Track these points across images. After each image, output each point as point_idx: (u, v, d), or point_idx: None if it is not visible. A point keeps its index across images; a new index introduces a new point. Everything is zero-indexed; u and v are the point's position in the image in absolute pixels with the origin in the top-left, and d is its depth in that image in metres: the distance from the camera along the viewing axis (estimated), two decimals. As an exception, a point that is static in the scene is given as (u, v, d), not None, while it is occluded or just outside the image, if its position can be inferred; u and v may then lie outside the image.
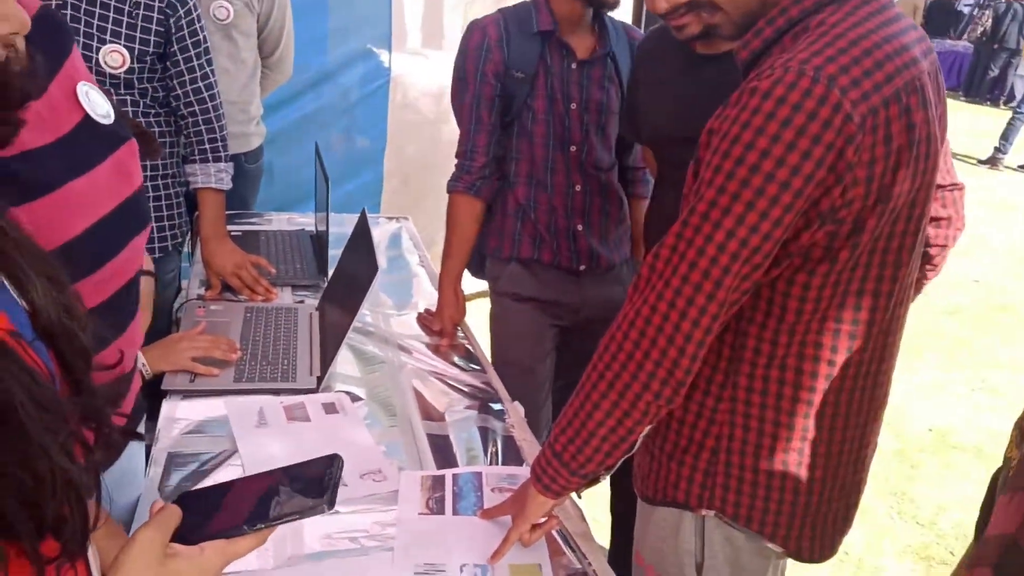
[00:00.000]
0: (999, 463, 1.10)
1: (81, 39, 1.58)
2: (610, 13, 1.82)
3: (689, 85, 1.51)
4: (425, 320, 1.89)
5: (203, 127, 1.81)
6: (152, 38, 1.66)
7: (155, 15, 1.65)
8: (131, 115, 1.68)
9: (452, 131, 1.95)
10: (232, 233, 1.96)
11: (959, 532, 2.68)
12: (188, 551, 0.69)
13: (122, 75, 1.65)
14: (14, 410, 0.52)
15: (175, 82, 1.75)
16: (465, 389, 1.62)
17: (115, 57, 1.63)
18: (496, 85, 1.78)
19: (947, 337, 4.20)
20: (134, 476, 1.21)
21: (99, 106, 1.01)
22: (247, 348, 1.60)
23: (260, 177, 2.65)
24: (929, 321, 4.23)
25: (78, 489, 0.57)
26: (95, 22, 1.59)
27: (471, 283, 2.09)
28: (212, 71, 1.79)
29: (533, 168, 1.84)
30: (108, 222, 0.98)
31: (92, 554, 0.68)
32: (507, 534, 1.14)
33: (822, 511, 1.07)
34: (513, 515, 1.15)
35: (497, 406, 1.57)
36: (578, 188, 1.85)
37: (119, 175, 1.02)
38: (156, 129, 1.79)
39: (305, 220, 2.42)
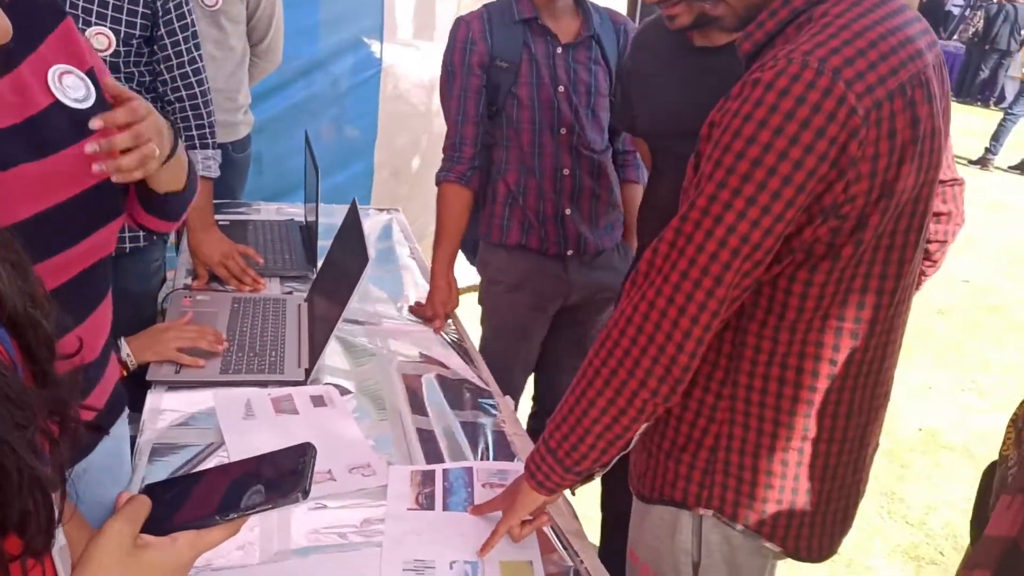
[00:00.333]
0: (989, 463, 1.09)
1: (65, 20, 1.53)
2: (600, 3, 1.82)
3: (686, 78, 1.49)
4: (417, 309, 1.88)
5: (190, 113, 1.77)
6: (139, 20, 1.62)
7: (142, -3, 1.61)
8: None
9: (443, 123, 1.96)
10: (219, 222, 1.93)
11: (949, 532, 2.69)
12: (159, 542, 0.66)
13: (108, 58, 1.61)
14: None
15: (162, 66, 1.71)
16: (456, 383, 1.59)
17: (100, 39, 1.59)
18: (482, 76, 1.82)
19: (937, 337, 4.20)
20: (120, 470, 1.18)
21: (73, 90, 0.97)
22: (234, 339, 1.57)
23: (248, 166, 2.61)
24: (919, 321, 4.23)
25: (44, 485, 0.55)
26: (80, 3, 1.55)
27: (462, 276, 2.07)
28: (200, 56, 1.75)
29: (522, 154, 1.87)
30: (65, 210, 0.93)
31: (59, 550, 0.65)
32: (496, 527, 1.12)
33: (821, 510, 1.05)
34: (504, 509, 1.13)
35: (488, 401, 1.54)
36: (566, 172, 1.87)
37: (86, 163, 0.97)
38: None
39: (294, 210, 2.38)
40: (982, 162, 8.41)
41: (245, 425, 1.33)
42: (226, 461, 1.24)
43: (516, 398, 2.09)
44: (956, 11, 13.23)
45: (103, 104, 1.02)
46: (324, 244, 1.89)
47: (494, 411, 1.51)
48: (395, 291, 1.99)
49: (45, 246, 0.91)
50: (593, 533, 1.79)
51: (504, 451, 1.39)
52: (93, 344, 1.04)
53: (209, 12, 2.24)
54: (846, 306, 0.96)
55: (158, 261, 1.90)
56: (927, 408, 3.50)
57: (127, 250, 1.76)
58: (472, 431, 1.43)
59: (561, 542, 1.17)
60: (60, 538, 0.63)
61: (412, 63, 3.49)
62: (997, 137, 8.38)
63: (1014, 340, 4.32)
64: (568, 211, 1.89)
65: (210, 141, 1.81)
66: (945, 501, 2.85)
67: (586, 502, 2.17)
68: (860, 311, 0.96)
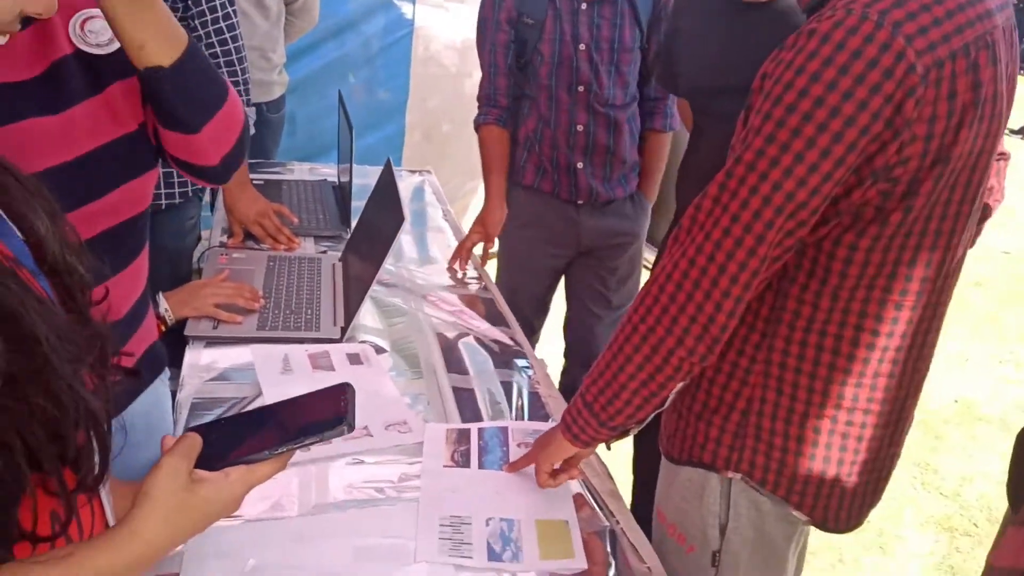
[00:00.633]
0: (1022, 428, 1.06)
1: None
2: None
3: (730, 34, 1.45)
4: (467, 238, 1.99)
5: (224, 70, 1.76)
6: (175, -25, 1.61)
7: (178, -48, 1.60)
8: None
9: (474, 85, 2.05)
10: (254, 182, 1.93)
11: (983, 504, 2.65)
12: (213, 476, 0.67)
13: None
14: (38, 341, 0.51)
15: (196, 22, 1.70)
16: (490, 343, 1.59)
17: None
18: (510, 32, 1.90)
19: (974, 309, 4.12)
20: (161, 425, 1.19)
21: (96, 35, 0.92)
22: (270, 297, 1.58)
23: (282, 127, 2.61)
24: (956, 292, 4.14)
25: (98, 420, 0.56)
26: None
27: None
28: (234, 12, 1.74)
29: (541, 107, 1.94)
30: (86, 162, 0.91)
31: (106, 495, 0.66)
32: (528, 453, 1.16)
33: (851, 482, 1.03)
34: (537, 460, 1.14)
35: (523, 361, 1.54)
36: (580, 128, 1.92)
37: (108, 114, 0.95)
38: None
39: (327, 170, 2.38)
40: (1024, 131, 8.17)
41: (283, 379, 1.34)
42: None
43: (530, 336, 2.16)
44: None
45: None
46: (357, 205, 1.88)
47: (528, 372, 1.50)
48: (428, 252, 1.98)
49: (67, 199, 0.89)
50: (624, 494, 1.79)
51: (538, 412, 1.38)
52: (126, 298, 1.03)
53: (243, -30, 2.23)
54: (893, 278, 0.92)
55: (193, 219, 1.91)
56: (963, 379, 3.45)
57: (163, 207, 1.77)
58: (507, 391, 1.43)
59: (596, 502, 1.17)
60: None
61: (443, 24, 3.45)
62: (1042, 105, 8.11)
63: (1054, 313, 4.22)
64: (580, 165, 1.95)
65: (244, 99, 1.81)
66: (980, 472, 2.81)
67: (617, 464, 2.17)
68: (907, 283, 0.93)
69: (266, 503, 1.07)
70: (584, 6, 1.82)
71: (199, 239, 2.04)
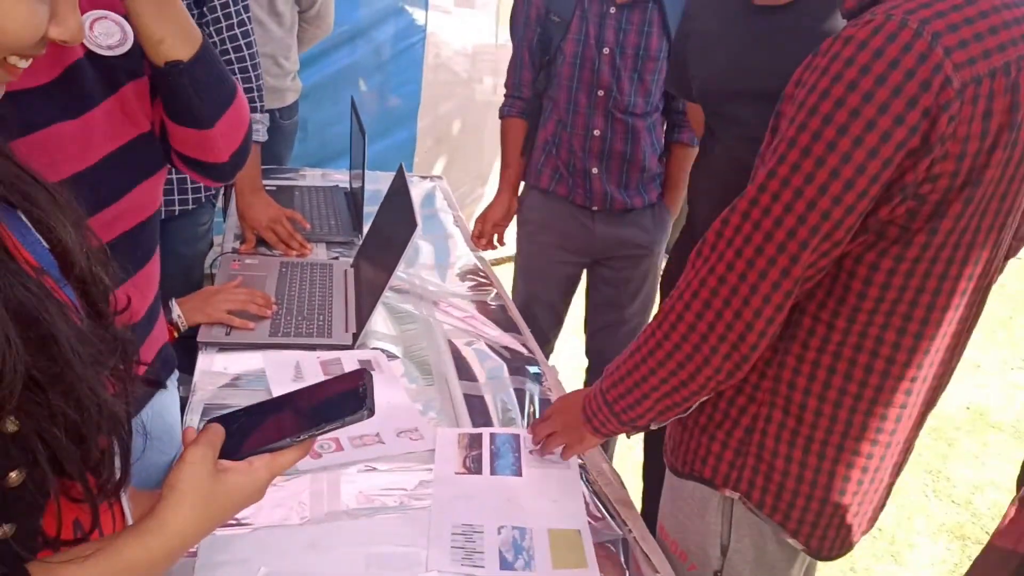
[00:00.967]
0: None
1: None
2: None
3: (743, 38, 1.44)
4: (475, 231, 2.09)
5: (238, 76, 1.76)
6: (189, -18, 1.62)
7: (193, -41, 1.61)
8: None
9: (484, 91, 2.07)
10: (266, 188, 1.94)
11: (996, 512, 2.63)
12: (237, 466, 0.68)
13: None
14: (59, 344, 0.51)
15: (211, 28, 1.71)
16: (501, 350, 1.59)
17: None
18: (536, 29, 1.92)
19: (987, 314, 4.08)
20: (171, 434, 1.20)
21: (106, 37, 0.92)
22: (282, 303, 1.58)
23: (295, 133, 2.62)
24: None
25: (121, 424, 0.57)
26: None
27: (505, 249, 2.11)
28: (249, 19, 1.75)
29: (560, 109, 1.94)
30: (106, 166, 0.92)
31: (126, 500, 0.67)
32: (547, 422, 1.18)
33: (850, 512, 0.99)
34: (558, 430, 1.16)
35: (534, 368, 1.54)
36: (597, 132, 1.92)
37: (123, 115, 0.95)
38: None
39: (339, 176, 2.39)
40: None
41: (295, 387, 1.33)
42: None
43: (544, 346, 2.16)
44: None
45: (137, 52, 0.98)
46: (369, 211, 1.89)
47: (540, 379, 1.50)
48: (439, 259, 1.99)
49: (93, 203, 0.89)
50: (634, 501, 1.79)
51: (550, 419, 1.38)
52: (141, 301, 1.04)
53: (257, -24, 2.24)
54: (915, 306, 0.88)
55: (206, 224, 1.92)
56: (975, 386, 3.42)
57: (176, 213, 1.78)
58: (518, 398, 1.43)
59: (608, 511, 1.17)
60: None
61: (454, 31, 3.46)
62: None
63: (1068, 319, 4.19)
64: (595, 170, 1.94)
65: (258, 105, 1.81)
66: (992, 481, 2.79)
67: (626, 471, 2.16)
68: (929, 312, 0.89)
69: (278, 511, 1.08)
70: (612, 10, 1.82)
71: (212, 245, 2.05)
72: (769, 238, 0.85)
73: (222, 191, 2.06)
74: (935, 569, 2.39)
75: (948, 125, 0.78)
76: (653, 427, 1.05)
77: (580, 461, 1.25)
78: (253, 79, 1.79)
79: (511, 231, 2.22)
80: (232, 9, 1.70)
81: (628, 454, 2.47)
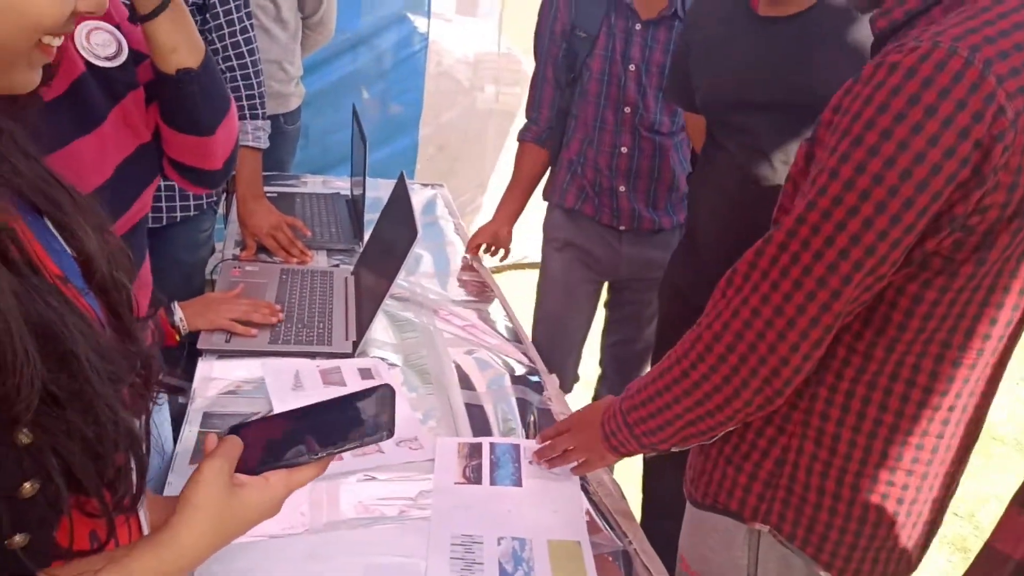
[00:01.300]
0: None
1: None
2: None
3: (749, 47, 1.44)
4: (471, 241, 2.05)
5: (240, 83, 1.77)
6: (192, -11, 1.62)
7: (196, -34, 1.61)
8: None
9: (486, 99, 2.03)
10: (267, 194, 1.93)
11: (998, 525, 2.62)
12: (254, 481, 0.67)
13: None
14: (78, 360, 0.51)
15: (214, 35, 1.71)
16: (501, 360, 1.58)
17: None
18: (561, 44, 1.88)
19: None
20: (160, 445, 1.19)
21: (103, 47, 0.93)
22: (282, 310, 1.58)
23: (298, 139, 2.62)
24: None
25: (137, 440, 0.56)
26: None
27: (510, 253, 2.09)
28: (251, 26, 1.75)
29: (586, 126, 1.91)
30: (117, 178, 0.93)
31: (143, 512, 0.66)
32: (563, 438, 1.16)
33: (888, 546, 0.96)
34: (577, 447, 1.15)
35: (534, 378, 1.53)
36: (624, 150, 1.89)
37: (125, 126, 0.96)
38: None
39: (340, 183, 2.39)
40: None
41: (294, 395, 1.33)
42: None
43: (567, 367, 2.13)
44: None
45: (136, 60, 0.99)
46: (370, 218, 1.89)
47: (540, 388, 1.49)
48: (440, 267, 1.98)
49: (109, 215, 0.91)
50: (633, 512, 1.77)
51: (551, 429, 1.37)
52: (142, 304, 1.05)
53: (262, -16, 2.24)
54: (955, 332, 0.85)
55: (207, 231, 1.92)
56: (977, 399, 3.41)
57: (177, 219, 1.78)
58: (518, 407, 1.42)
59: (609, 523, 1.16)
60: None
61: (456, 39, 3.47)
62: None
63: (1070, 331, 4.17)
64: (622, 188, 1.91)
65: (260, 112, 1.81)
66: (995, 494, 2.78)
67: (627, 482, 2.15)
68: (968, 340, 0.85)
69: (277, 521, 1.06)
70: (639, 27, 1.80)
71: (213, 251, 2.05)
72: (808, 272, 0.82)
73: (223, 197, 2.06)
74: (937, 582, 2.38)
75: (1002, 156, 0.75)
76: (675, 450, 1.03)
77: (581, 472, 1.25)
78: (255, 85, 1.79)
79: (529, 244, 2.19)
80: (235, 16, 1.70)
81: (629, 464, 2.46)
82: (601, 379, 2.29)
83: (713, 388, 0.90)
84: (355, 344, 1.49)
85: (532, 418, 1.40)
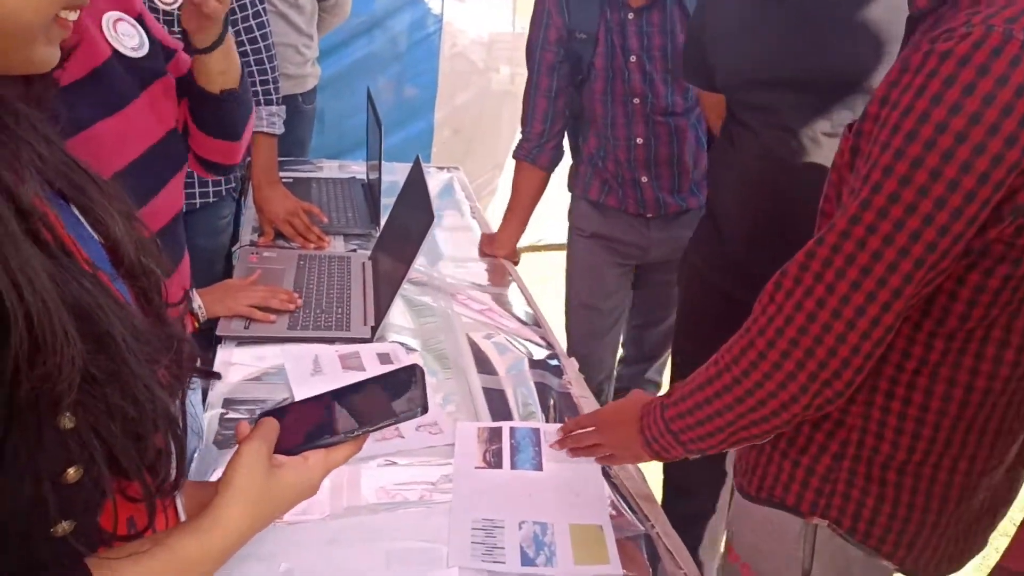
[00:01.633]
0: None
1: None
2: None
3: (773, 24, 1.41)
4: (482, 247, 2.01)
5: (254, 68, 1.76)
6: (205, -26, 1.61)
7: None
8: None
9: (502, 80, 2.00)
10: (283, 179, 1.93)
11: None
12: (292, 461, 0.67)
13: (176, 12, 1.61)
14: (115, 341, 0.51)
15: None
16: (521, 343, 1.57)
17: (167, -7, 1.59)
18: (558, 51, 1.84)
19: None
20: (200, 427, 1.20)
21: (128, 38, 0.96)
22: (301, 296, 1.58)
23: (314, 118, 2.61)
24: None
25: (175, 422, 0.56)
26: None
27: (526, 235, 2.07)
28: (264, 10, 1.74)
29: (598, 123, 1.88)
30: (142, 163, 0.94)
31: (180, 498, 0.66)
32: (591, 432, 1.13)
33: (952, 532, 0.94)
34: (605, 442, 1.12)
35: (554, 362, 1.52)
36: (639, 141, 1.85)
37: (152, 114, 0.98)
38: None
39: (357, 168, 2.38)
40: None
41: (313, 380, 1.33)
42: None
43: (605, 359, 2.12)
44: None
45: (156, 53, 1.01)
46: (387, 202, 1.88)
47: (560, 372, 1.49)
48: (457, 250, 1.97)
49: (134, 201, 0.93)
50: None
51: (571, 413, 1.37)
52: (175, 297, 1.06)
53: (277, -32, 2.23)
54: (1016, 317, 0.82)
55: (226, 218, 1.92)
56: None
57: (197, 206, 1.78)
58: (538, 391, 1.41)
59: (631, 507, 1.15)
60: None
61: (470, 20, 3.44)
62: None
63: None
64: (644, 179, 1.88)
65: (274, 97, 1.81)
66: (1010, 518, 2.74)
67: (647, 464, 2.14)
68: None
69: (298, 506, 1.07)
70: (631, 16, 1.77)
71: (233, 238, 2.05)
72: (866, 273, 0.79)
73: (240, 184, 2.07)
74: None
75: None
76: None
77: (601, 455, 1.24)
78: (269, 71, 1.78)
79: (545, 227, 2.15)
80: (248, 1, 1.69)
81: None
82: (622, 360, 2.27)
83: (767, 395, 0.87)
84: (373, 329, 1.49)
85: (552, 402, 1.39)
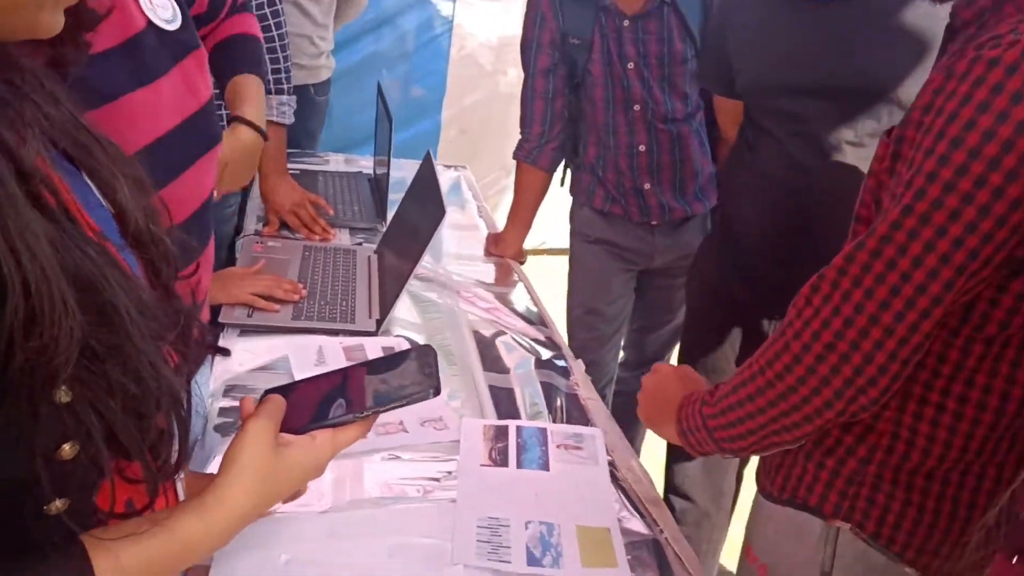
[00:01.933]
0: None
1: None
2: None
3: (797, 30, 1.39)
4: (488, 247, 1.98)
5: (267, 56, 1.74)
6: (221, -40, 1.59)
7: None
8: None
9: (509, 83, 1.98)
10: (290, 171, 1.91)
11: None
12: (299, 440, 0.64)
13: (190, -2, 1.59)
14: (118, 313, 0.48)
15: (242, 9, 1.68)
16: (527, 343, 1.55)
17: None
18: (552, 54, 1.82)
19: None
20: (205, 407, 1.18)
21: (163, 10, 0.94)
22: (305, 287, 1.55)
23: (326, 111, 2.59)
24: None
25: (180, 401, 0.54)
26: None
27: (530, 237, 2.05)
28: (279, -1, 1.72)
29: (598, 130, 1.85)
30: (172, 138, 0.92)
31: (180, 482, 0.64)
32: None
33: (976, 539, 0.91)
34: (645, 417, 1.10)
35: (560, 363, 1.50)
36: (642, 148, 1.83)
37: (185, 87, 0.96)
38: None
39: (364, 162, 2.36)
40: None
41: (317, 371, 1.30)
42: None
43: (607, 361, 2.10)
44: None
45: (189, 26, 0.99)
46: (393, 198, 1.86)
47: (567, 373, 1.46)
48: (463, 248, 1.95)
49: (161, 176, 0.90)
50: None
51: (578, 414, 1.34)
52: (207, 274, 1.06)
53: (296, -41, 2.21)
54: None
55: (232, 207, 1.90)
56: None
57: (202, 193, 1.75)
58: (544, 392, 1.39)
59: (639, 510, 1.13)
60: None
61: (479, 22, 3.43)
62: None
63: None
64: (647, 186, 1.86)
65: (285, 87, 1.79)
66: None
67: (652, 464, 2.12)
68: None
69: (299, 497, 1.04)
70: (626, 23, 1.74)
71: (239, 228, 2.03)
72: (907, 279, 0.78)
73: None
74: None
75: None
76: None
77: (609, 458, 1.22)
78: (281, 60, 1.76)
79: (548, 231, 2.13)
80: (263, -11, 1.67)
81: (653, 448, 2.43)
82: (623, 364, 2.25)
83: (802, 400, 0.86)
84: (378, 323, 1.47)
85: (560, 403, 1.37)
